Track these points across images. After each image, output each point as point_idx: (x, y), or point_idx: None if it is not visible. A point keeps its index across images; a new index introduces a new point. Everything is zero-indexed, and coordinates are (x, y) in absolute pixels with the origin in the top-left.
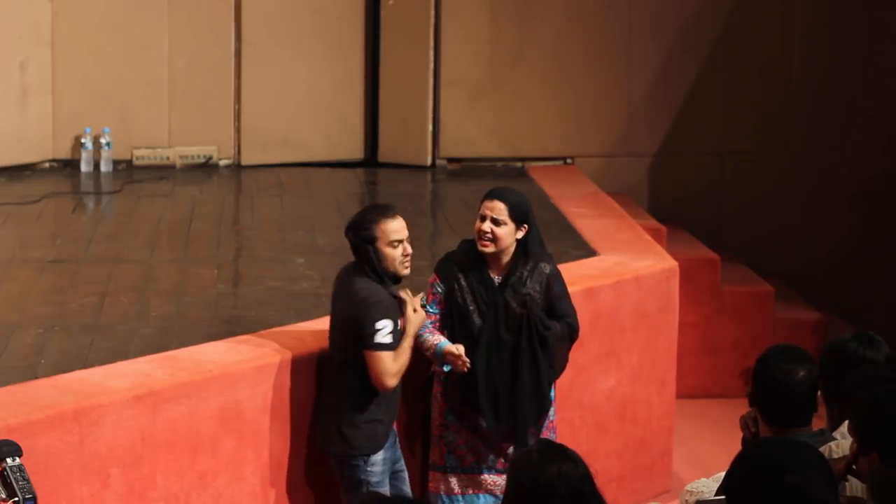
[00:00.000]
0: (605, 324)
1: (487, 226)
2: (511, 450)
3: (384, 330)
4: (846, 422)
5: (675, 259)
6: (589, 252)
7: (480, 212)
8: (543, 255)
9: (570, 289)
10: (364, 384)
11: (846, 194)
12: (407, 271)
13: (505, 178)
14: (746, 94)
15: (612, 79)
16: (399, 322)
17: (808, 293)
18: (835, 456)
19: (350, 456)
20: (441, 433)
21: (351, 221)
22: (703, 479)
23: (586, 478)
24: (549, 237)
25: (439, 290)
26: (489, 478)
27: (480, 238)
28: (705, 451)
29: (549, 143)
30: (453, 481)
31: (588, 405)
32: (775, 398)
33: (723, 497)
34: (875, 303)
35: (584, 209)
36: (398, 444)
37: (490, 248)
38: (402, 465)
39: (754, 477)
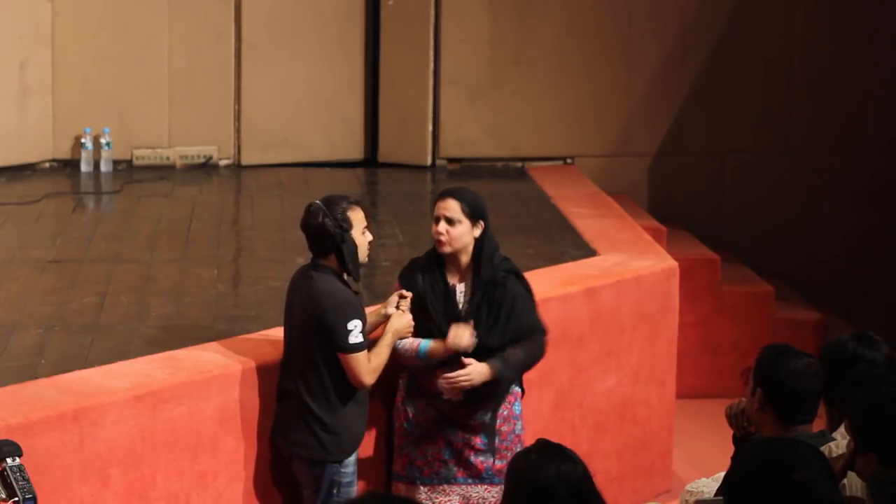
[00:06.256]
0: (605, 324)
1: (442, 226)
2: (473, 457)
3: (356, 330)
4: (846, 421)
5: (675, 259)
6: (589, 252)
7: (435, 214)
8: (501, 262)
9: (571, 289)
10: (336, 387)
11: (846, 194)
12: (366, 259)
13: (505, 178)
14: (747, 94)
15: (612, 79)
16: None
17: (808, 293)
18: (834, 455)
19: (325, 461)
20: (402, 443)
21: (321, 212)
22: (703, 479)
23: (585, 477)
24: (549, 237)
25: None
26: (448, 488)
27: (437, 241)
28: (705, 451)
29: (549, 143)
30: (419, 492)
31: (588, 405)
32: (794, 398)
33: (722, 497)
34: (875, 303)
35: (584, 209)
36: None
37: (447, 249)
38: None
39: (759, 476)
